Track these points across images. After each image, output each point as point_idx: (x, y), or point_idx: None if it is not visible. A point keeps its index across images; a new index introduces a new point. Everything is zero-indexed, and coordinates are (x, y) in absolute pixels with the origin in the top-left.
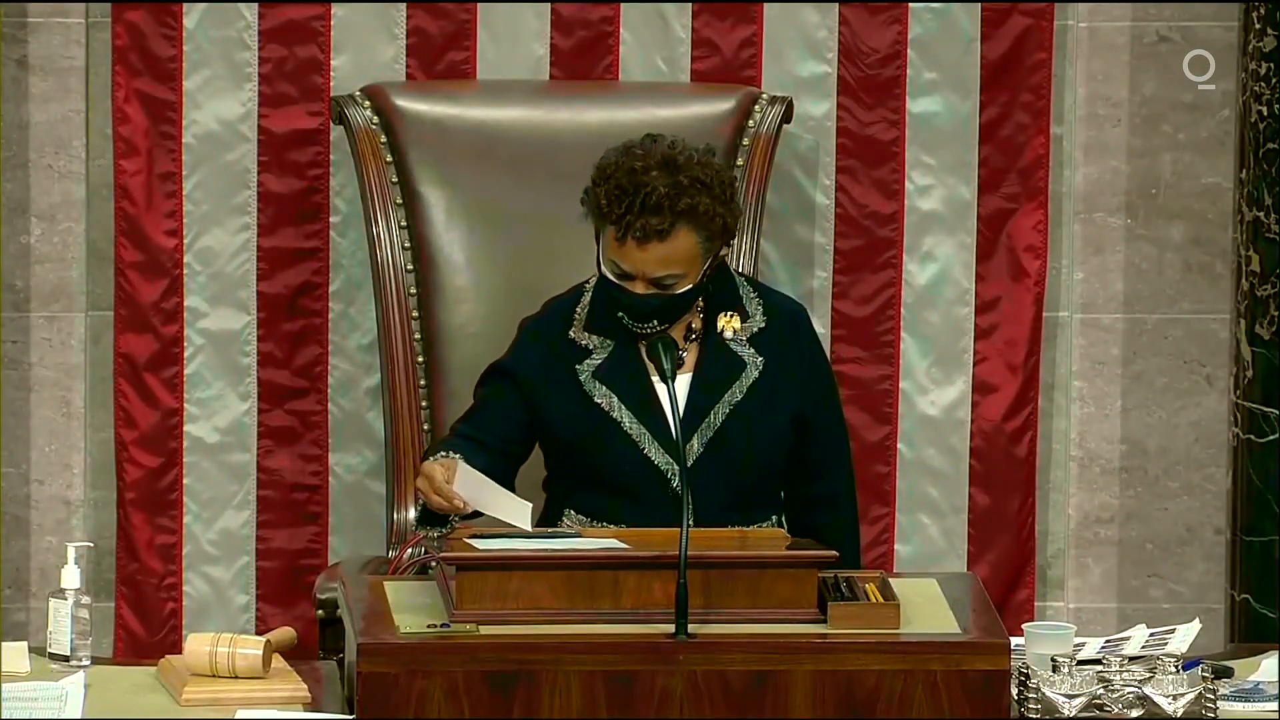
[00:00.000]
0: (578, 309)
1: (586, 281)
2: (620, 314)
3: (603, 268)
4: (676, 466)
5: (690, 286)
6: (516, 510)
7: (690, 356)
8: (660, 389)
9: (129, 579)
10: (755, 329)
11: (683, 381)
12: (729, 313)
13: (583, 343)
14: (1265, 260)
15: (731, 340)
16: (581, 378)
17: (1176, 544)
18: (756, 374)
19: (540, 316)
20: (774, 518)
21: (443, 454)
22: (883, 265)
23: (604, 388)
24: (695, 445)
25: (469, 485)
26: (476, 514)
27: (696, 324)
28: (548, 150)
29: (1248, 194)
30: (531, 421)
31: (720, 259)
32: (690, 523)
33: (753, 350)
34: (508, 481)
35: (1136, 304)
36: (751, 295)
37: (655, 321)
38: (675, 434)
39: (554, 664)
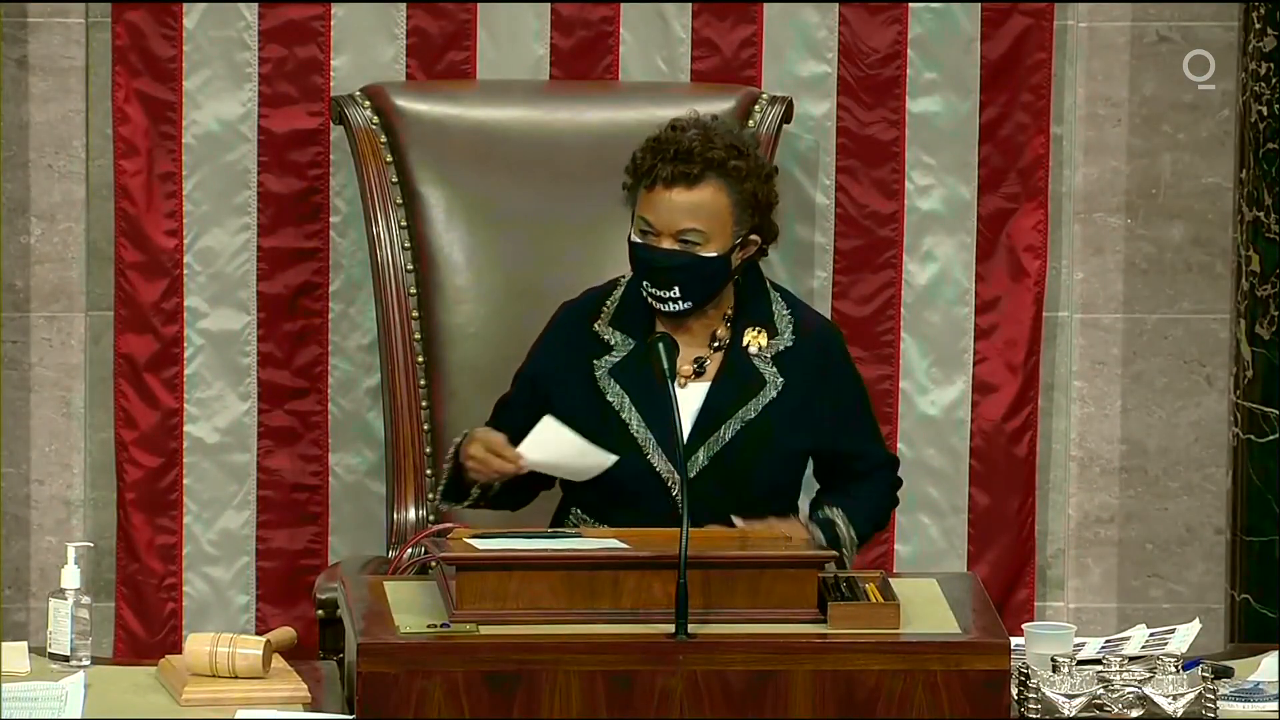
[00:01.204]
0: (608, 302)
1: (622, 276)
2: (644, 283)
3: (632, 236)
4: (678, 476)
5: (715, 254)
6: (594, 461)
7: (712, 366)
8: (679, 395)
9: (129, 579)
10: (782, 347)
11: (699, 390)
12: (757, 328)
13: (605, 337)
14: (1265, 260)
15: (756, 356)
16: (597, 373)
17: (1176, 544)
18: (775, 393)
19: (575, 303)
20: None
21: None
22: (883, 265)
23: (617, 386)
24: (701, 457)
25: (551, 442)
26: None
27: (723, 332)
28: (548, 150)
29: (1248, 194)
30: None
31: (755, 264)
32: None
33: (775, 369)
34: (531, 488)
35: (1136, 304)
36: (784, 312)
37: (677, 291)
38: (679, 438)
39: (554, 664)
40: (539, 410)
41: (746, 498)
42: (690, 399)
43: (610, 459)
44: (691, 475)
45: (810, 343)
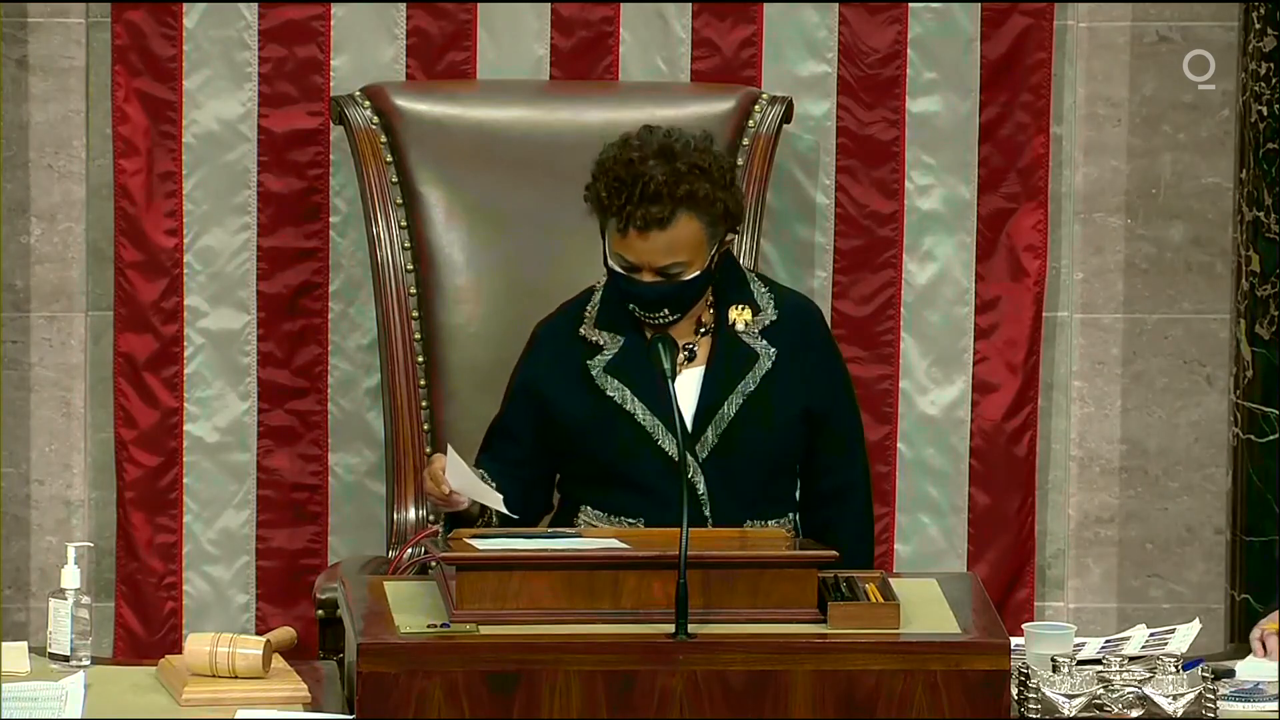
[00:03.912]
0: (589, 308)
1: (597, 282)
2: (631, 305)
3: (609, 262)
4: (689, 458)
5: (697, 273)
6: (491, 499)
7: (701, 350)
8: (675, 382)
9: (129, 579)
10: (767, 321)
11: (695, 375)
12: (740, 305)
13: (594, 339)
14: (1265, 260)
15: (743, 332)
16: (594, 372)
17: (1176, 544)
18: (770, 364)
19: (552, 318)
20: (790, 515)
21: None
22: (883, 265)
23: (616, 381)
24: (709, 437)
25: (457, 473)
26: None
27: (707, 317)
28: (548, 150)
29: (1248, 194)
30: (548, 438)
31: (727, 250)
32: (695, 514)
33: (765, 342)
34: (544, 498)
35: (1136, 304)
36: (763, 290)
37: (666, 311)
38: (679, 432)
39: (554, 664)
40: (539, 417)
41: (756, 473)
42: (688, 385)
43: (499, 500)
44: (702, 457)
45: (793, 316)
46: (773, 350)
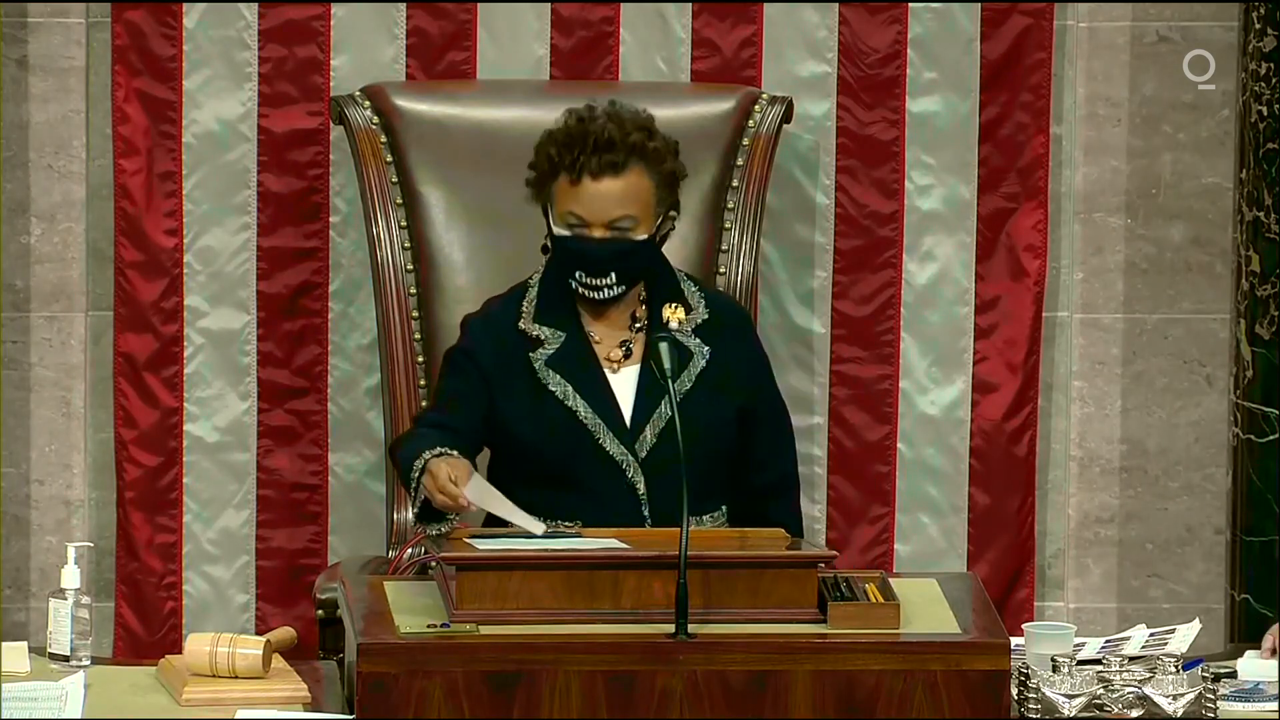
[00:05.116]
0: (524, 303)
1: (530, 278)
2: (577, 273)
3: (556, 229)
4: (630, 457)
5: (644, 237)
6: (528, 520)
7: (637, 348)
8: (613, 380)
9: (129, 579)
10: (699, 320)
11: (631, 373)
12: (673, 304)
13: (534, 333)
14: (1265, 260)
15: (677, 331)
16: (535, 365)
17: (1176, 544)
18: (704, 363)
19: (481, 313)
20: (722, 508)
21: (436, 450)
22: (883, 265)
23: (558, 376)
24: (649, 436)
25: (477, 492)
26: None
27: (641, 313)
28: None
29: (1248, 194)
30: (490, 409)
31: (660, 245)
32: (634, 514)
33: (698, 340)
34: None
35: (1136, 304)
36: (694, 289)
37: (613, 276)
38: (677, 430)
39: (554, 664)
40: (485, 388)
41: (696, 470)
42: (625, 382)
43: (539, 528)
44: (642, 455)
45: (724, 315)
46: (706, 349)
